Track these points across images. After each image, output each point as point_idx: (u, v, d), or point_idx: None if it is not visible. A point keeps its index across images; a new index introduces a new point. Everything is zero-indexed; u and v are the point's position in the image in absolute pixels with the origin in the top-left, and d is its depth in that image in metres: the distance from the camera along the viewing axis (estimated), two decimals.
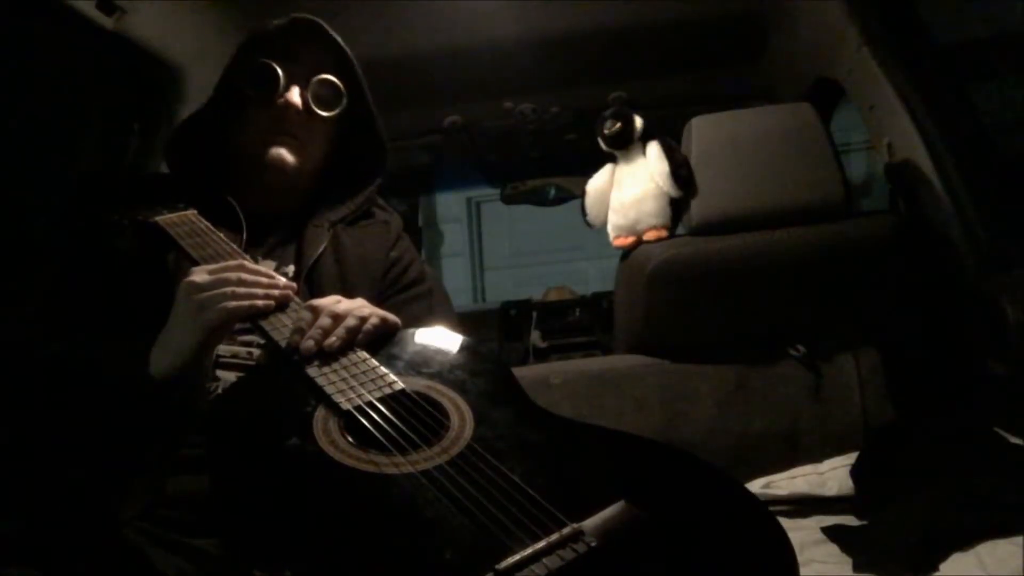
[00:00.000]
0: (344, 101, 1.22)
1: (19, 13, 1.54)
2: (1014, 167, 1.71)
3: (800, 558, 0.69)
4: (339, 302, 1.00)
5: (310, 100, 1.19)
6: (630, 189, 1.66)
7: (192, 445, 0.97)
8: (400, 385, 0.90)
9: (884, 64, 1.71)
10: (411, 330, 1.06)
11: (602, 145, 1.71)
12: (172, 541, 0.96)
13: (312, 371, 0.90)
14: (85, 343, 1.00)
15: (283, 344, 0.94)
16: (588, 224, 1.77)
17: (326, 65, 1.22)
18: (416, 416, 0.85)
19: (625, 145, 1.68)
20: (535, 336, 2.69)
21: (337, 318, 0.96)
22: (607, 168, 1.74)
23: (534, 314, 2.75)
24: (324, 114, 1.21)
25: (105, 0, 1.57)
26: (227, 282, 0.95)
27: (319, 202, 1.26)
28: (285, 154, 1.18)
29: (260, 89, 1.18)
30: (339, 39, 1.23)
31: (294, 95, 1.18)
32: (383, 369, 0.92)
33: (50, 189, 1.84)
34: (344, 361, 0.93)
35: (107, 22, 1.60)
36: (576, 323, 2.70)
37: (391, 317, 1.03)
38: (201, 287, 0.95)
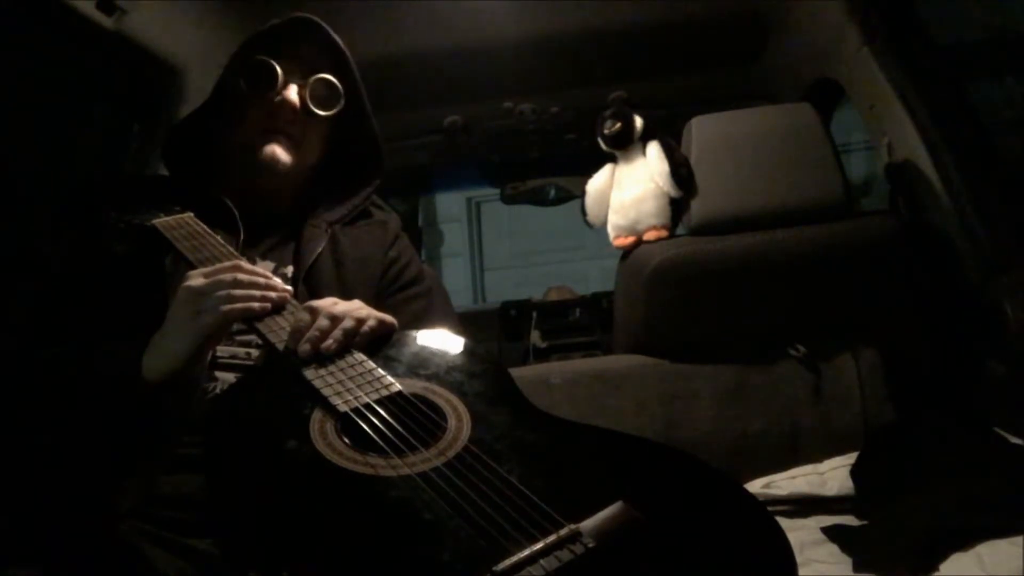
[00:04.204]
0: (341, 101, 1.22)
1: (19, 13, 1.54)
2: (1014, 167, 1.71)
3: (800, 558, 0.69)
4: (336, 304, 1.00)
5: (308, 99, 1.19)
6: (630, 189, 1.66)
7: (190, 445, 0.97)
8: (397, 387, 0.90)
9: (884, 64, 1.71)
10: (409, 331, 1.06)
11: (602, 145, 1.71)
12: (170, 540, 0.96)
13: (309, 373, 0.90)
14: (81, 346, 1.00)
15: (280, 347, 0.94)
16: (588, 224, 1.77)
17: (324, 65, 1.22)
18: (413, 418, 0.85)
19: (625, 145, 1.68)
20: (535, 336, 2.68)
21: (334, 320, 0.96)
22: (607, 168, 1.74)
23: (534, 314, 2.74)
24: (321, 113, 1.20)
25: (105, 0, 1.57)
26: (223, 284, 0.95)
27: (316, 203, 1.26)
28: (279, 152, 1.17)
29: (258, 86, 1.17)
30: (338, 39, 1.23)
31: (291, 93, 1.18)
32: (380, 371, 0.92)
33: (49, 190, 1.83)
34: (341, 363, 0.92)
35: (107, 22, 1.60)
36: (576, 323, 2.69)
37: (388, 319, 1.03)
38: (197, 291, 0.94)
